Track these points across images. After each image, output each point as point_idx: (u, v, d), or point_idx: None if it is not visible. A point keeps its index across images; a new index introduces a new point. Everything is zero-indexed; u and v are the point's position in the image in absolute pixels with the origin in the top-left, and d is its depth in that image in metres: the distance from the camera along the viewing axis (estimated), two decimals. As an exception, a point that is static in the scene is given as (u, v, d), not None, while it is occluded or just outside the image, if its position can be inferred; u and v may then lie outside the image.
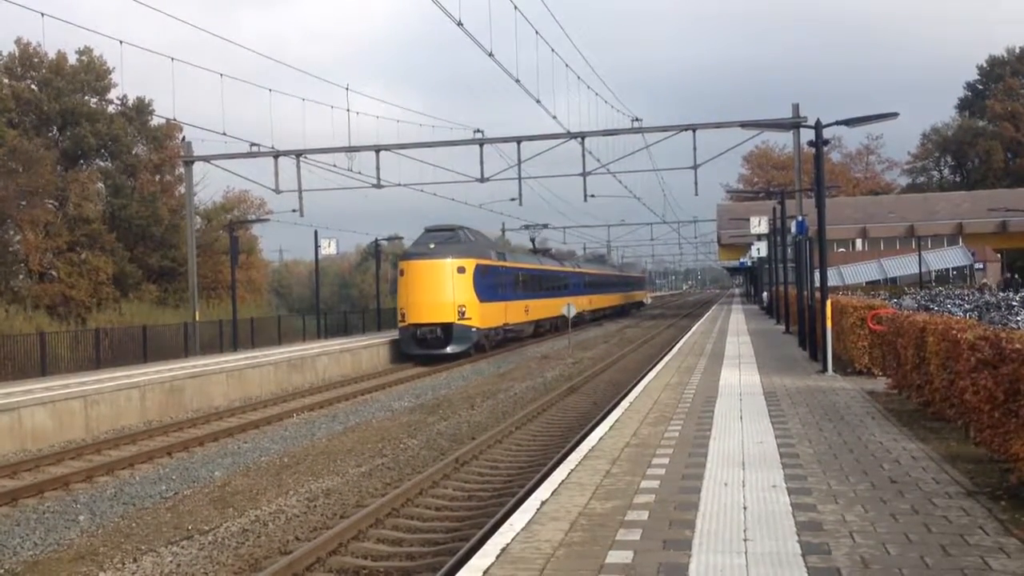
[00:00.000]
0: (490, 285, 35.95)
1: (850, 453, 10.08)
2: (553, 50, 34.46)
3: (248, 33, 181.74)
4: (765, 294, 51.97)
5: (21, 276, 51.74)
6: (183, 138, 47.48)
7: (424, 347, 33.17)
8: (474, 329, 34.06)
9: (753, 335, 32.55)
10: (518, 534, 7.27)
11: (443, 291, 33.55)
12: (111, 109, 57.60)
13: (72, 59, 56.98)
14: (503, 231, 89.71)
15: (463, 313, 33.56)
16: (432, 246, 34.66)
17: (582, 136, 38.93)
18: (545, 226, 60.29)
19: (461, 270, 34.14)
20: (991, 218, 71.26)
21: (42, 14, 24.43)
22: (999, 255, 79.89)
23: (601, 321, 63.91)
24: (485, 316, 35.21)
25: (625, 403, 15.34)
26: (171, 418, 20.60)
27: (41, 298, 48.56)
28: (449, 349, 33.11)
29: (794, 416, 12.96)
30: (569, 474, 9.48)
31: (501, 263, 38.55)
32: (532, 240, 57.97)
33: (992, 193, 79.83)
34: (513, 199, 42.00)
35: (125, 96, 58.34)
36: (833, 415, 12.98)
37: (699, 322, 46.52)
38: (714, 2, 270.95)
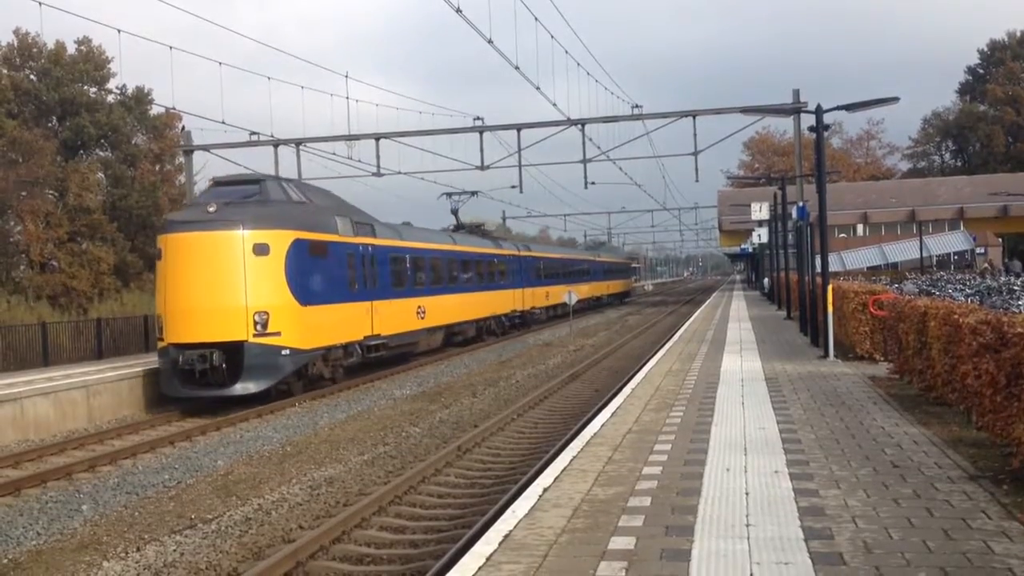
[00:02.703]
0: (331, 276, 22.50)
1: (852, 438, 10.08)
2: (552, 36, 34.39)
3: (245, 22, 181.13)
4: (766, 280, 51.92)
5: (22, 267, 51.80)
6: (183, 127, 47.49)
7: (193, 385, 19.61)
8: (286, 352, 20.30)
9: (754, 321, 32.55)
10: (520, 521, 7.28)
11: (226, 286, 19.98)
12: (110, 99, 57.52)
13: (71, 49, 56.91)
14: (503, 219, 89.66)
15: (264, 324, 19.93)
16: (213, 209, 20.54)
17: (582, 123, 38.79)
18: (474, 194, 42.76)
19: (261, 249, 20.22)
20: (992, 203, 71.15)
21: (40, 3, 24.16)
22: (1000, 240, 79.78)
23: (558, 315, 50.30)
24: (313, 328, 21.20)
25: (627, 390, 15.35)
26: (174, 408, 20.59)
27: (42, 288, 48.58)
28: (238, 388, 19.64)
29: (796, 402, 12.96)
30: (571, 461, 9.48)
31: (360, 239, 24.42)
32: (454, 212, 41.54)
33: (993, 177, 79.74)
34: (513, 187, 41.82)
35: (124, 85, 58.32)
36: (835, 400, 12.97)
37: (700, 308, 46.49)
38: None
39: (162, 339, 20.24)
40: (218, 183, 23.02)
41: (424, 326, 28.96)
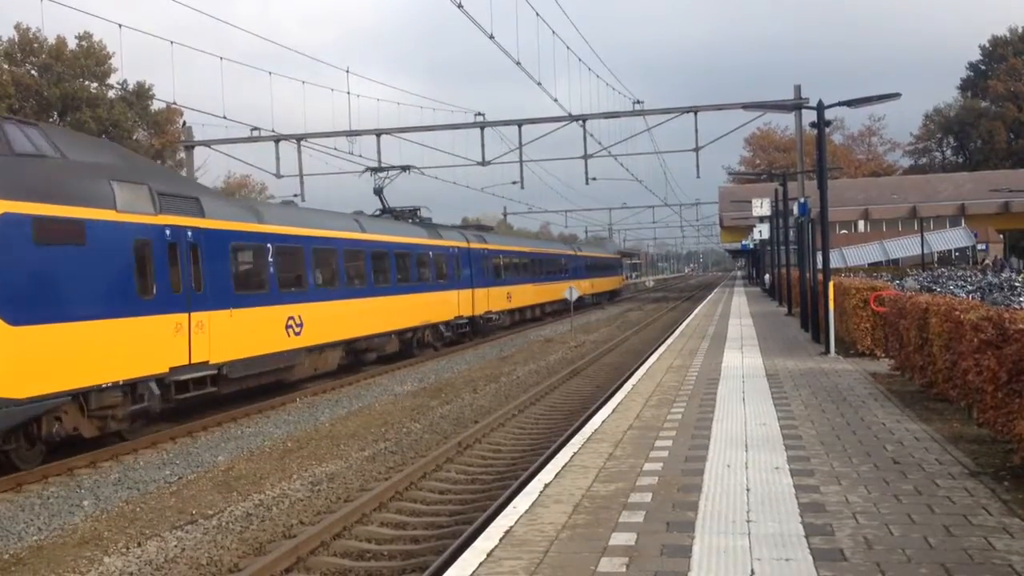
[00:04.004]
0: (95, 276, 14.45)
1: (853, 434, 10.08)
2: (554, 32, 34.33)
3: (246, 16, 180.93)
4: (767, 276, 51.92)
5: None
6: (184, 123, 47.44)
7: None
8: None
9: (755, 317, 32.55)
10: (522, 517, 7.28)
11: None
12: (111, 94, 57.59)
13: (72, 44, 56.91)
14: (504, 215, 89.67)
15: None
16: None
17: (583, 119, 38.80)
18: (405, 169, 34.32)
19: None
20: (993, 199, 71.07)
21: (40, -2, 24.14)
22: (1001, 236, 79.75)
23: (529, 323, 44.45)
24: (40, 360, 13.11)
25: (628, 386, 15.36)
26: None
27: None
28: None
29: (797, 398, 12.96)
30: (572, 457, 9.49)
31: (169, 219, 16.38)
32: (378, 193, 32.70)
33: (994, 174, 79.64)
34: (515, 182, 41.86)
35: (125, 81, 58.37)
36: (836, 396, 12.98)
37: (701, 304, 46.49)
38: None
39: None
40: None
41: (302, 344, 20.64)
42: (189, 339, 16.51)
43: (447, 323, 31.30)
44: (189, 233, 16.89)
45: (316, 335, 21.52)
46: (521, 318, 42.73)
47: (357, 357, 24.68)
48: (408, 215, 32.18)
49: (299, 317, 20.68)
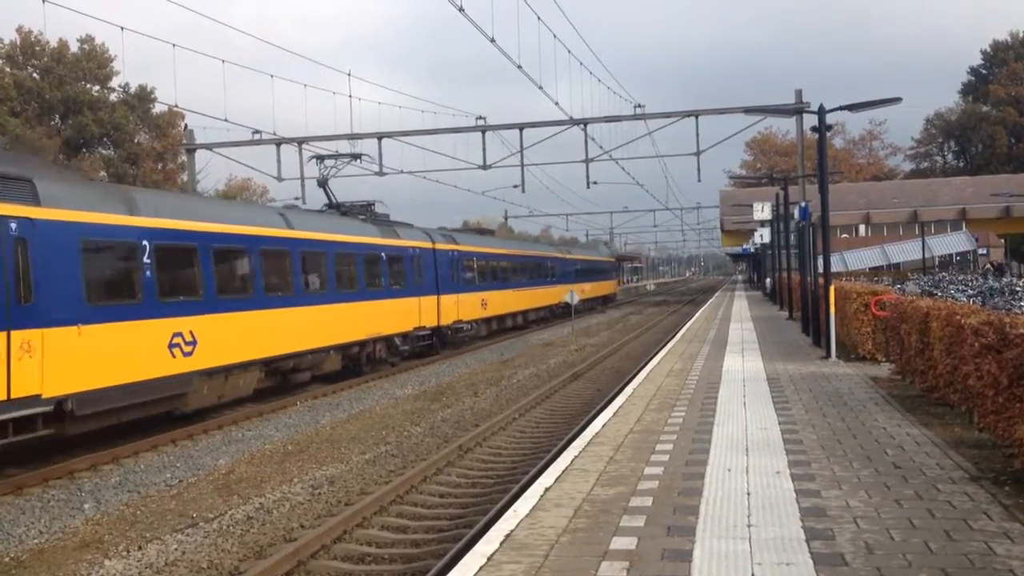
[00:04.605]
0: None
1: (854, 439, 10.08)
2: (555, 35, 34.44)
3: (247, 19, 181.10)
4: (768, 280, 51.92)
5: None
6: (185, 126, 47.51)
7: None
8: None
9: (756, 321, 32.55)
10: (522, 521, 7.28)
11: None
12: (113, 97, 57.69)
13: (74, 47, 57.00)
14: (505, 218, 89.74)
15: None
16: None
17: (584, 123, 38.85)
18: (357, 157, 31.06)
19: None
20: (994, 203, 71.15)
21: (43, 0, 24.09)
22: (1002, 240, 79.77)
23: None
24: None
25: (628, 389, 15.36)
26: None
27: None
28: None
29: (797, 402, 12.95)
30: (573, 461, 9.49)
31: None
32: (322, 185, 28.17)
33: (995, 178, 79.71)
34: (516, 186, 41.92)
35: (127, 84, 58.45)
36: (836, 401, 12.97)
37: (702, 308, 46.48)
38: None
39: None
40: None
41: (194, 367, 16.85)
42: (8, 366, 12.53)
43: (405, 335, 27.48)
44: (13, 225, 13.03)
45: (216, 355, 17.50)
46: (500, 327, 38.87)
47: (286, 378, 20.89)
48: (360, 211, 27.90)
49: (190, 333, 16.77)
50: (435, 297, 29.92)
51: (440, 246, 31.26)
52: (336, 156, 29.83)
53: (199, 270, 17.49)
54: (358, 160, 31.03)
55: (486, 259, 37.00)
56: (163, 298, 16.22)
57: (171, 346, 16.26)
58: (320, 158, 29.68)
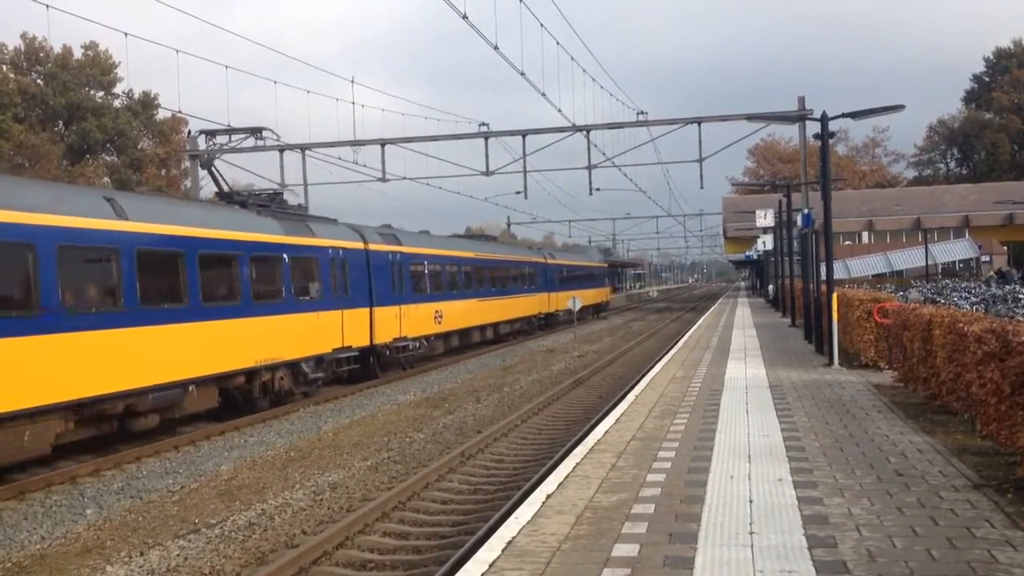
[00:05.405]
0: None
1: (856, 446, 10.07)
2: (558, 43, 34.46)
3: (250, 26, 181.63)
4: (771, 287, 51.90)
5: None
6: (188, 132, 47.56)
7: None
8: None
9: (759, 328, 32.53)
10: (524, 527, 7.28)
11: None
12: (117, 103, 57.83)
13: (78, 53, 57.14)
14: (508, 224, 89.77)
15: None
16: None
17: (587, 129, 38.86)
18: (255, 132, 25.05)
19: None
20: (997, 210, 71.06)
21: (47, 6, 24.13)
22: (1005, 247, 79.71)
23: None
24: None
25: (631, 396, 15.35)
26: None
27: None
28: None
29: (800, 409, 12.95)
30: (575, 467, 9.49)
31: None
32: (206, 166, 23.56)
33: (999, 185, 79.66)
34: (519, 192, 41.92)
35: (131, 90, 58.65)
36: (839, 408, 12.96)
37: (705, 315, 46.47)
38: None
39: None
40: None
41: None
42: None
43: (321, 358, 21.81)
44: None
45: (28, 396, 12.67)
46: (464, 343, 33.01)
47: (112, 426, 15.25)
48: (264, 201, 22.06)
49: None
50: (367, 310, 24.34)
51: (375, 247, 25.43)
52: (230, 131, 25.21)
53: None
54: (259, 136, 25.32)
55: (440, 263, 31.03)
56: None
57: None
58: (210, 133, 25.46)
